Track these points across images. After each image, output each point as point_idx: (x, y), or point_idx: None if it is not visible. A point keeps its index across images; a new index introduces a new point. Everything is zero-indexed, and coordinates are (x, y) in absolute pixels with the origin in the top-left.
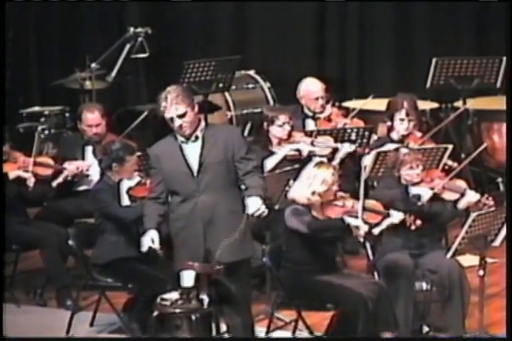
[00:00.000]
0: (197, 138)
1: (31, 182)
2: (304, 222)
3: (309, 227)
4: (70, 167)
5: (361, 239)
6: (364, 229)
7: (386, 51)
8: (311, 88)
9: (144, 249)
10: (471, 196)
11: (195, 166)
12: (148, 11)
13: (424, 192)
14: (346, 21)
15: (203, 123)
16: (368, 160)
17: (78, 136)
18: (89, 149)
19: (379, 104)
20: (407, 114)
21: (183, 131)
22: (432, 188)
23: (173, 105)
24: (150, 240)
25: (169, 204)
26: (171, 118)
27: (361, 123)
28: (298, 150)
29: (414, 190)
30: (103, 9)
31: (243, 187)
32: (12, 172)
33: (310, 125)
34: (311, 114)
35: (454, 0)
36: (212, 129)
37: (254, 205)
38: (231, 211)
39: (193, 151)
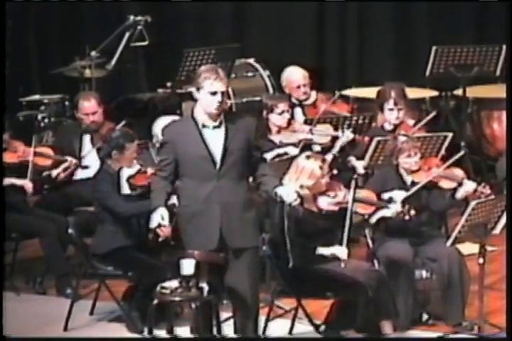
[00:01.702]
0: (221, 123)
1: (29, 188)
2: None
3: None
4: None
5: (343, 265)
6: (344, 253)
7: (386, 39)
8: (292, 77)
9: (153, 225)
10: (469, 186)
11: (217, 151)
12: None
13: (396, 195)
14: (346, 9)
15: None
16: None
17: (76, 125)
18: (86, 138)
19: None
20: (395, 104)
21: (217, 109)
22: (407, 191)
23: (223, 80)
24: (160, 217)
25: (180, 189)
26: (214, 93)
27: (345, 107)
28: (286, 153)
29: (386, 195)
30: None
31: (260, 173)
32: (7, 179)
33: (298, 113)
34: (297, 102)
35: (454, 0)
36: (231, 116)
37: (286, 189)
38: (246, 198)
39: (215, 136)
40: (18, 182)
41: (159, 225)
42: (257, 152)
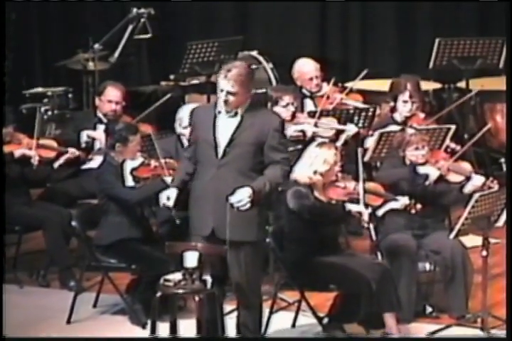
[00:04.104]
0: (236, 113)
1: (35, 160)
2: (305, 206)
3: (310, 212)
4: (72, 150)
5: (365, 224)
6: (367, 214)
7: (388, 31)
8: (304, 69)
9: (160, 204)
10: (477, 180)
11: (223, 140)
12: None
13: (432, 172)
14: (349, 2)
15: (248, 102)
16: (370, 141)
17: (90, 114)
18: (100, 127)
19: (382, 85)
20: (411, 96)
21: (225, 106)
22: (439, 168)
23: (231, 81)
24: (166, 197)
25: (196, 172)
26: (221, 90)
27: (359, 97)
28: (302, 131)
29: (422, 170)
30: None
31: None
32: (17, 150)
33: (308, 104)
34: (308, 93)
35: (454, 0)
36: (253, 110)
37: (238, 196)
38: None
39: (227, 125)
40: (28, 152)
41: (164, 205)
42: (273, 153)
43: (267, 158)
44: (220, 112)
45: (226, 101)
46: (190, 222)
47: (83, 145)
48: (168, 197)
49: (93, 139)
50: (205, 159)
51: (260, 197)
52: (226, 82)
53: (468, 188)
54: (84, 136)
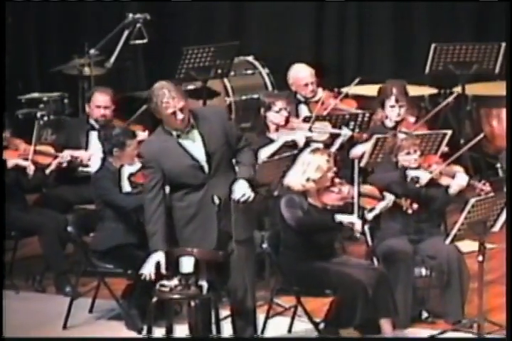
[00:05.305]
0: (192, 127)
1: (31, 170)
2: (295, 218)
3: (299, 224)
4: (65, 154)
5: (357, 235)
6: (359, 224)
7: (385, 37)
8: (299, 75)
9: (146, 271)
10: (460, 178)
11: (201, 156)
12: None
13: (422, 175)
14: (346, 7)
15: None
16: (360, 147)
17: (83, 121)
18: (93, 134)
19: (376, 90)
20: (397, 100)
21: (183, 124)
22: (431, 172)
23: (175, 99)
24: (154, 264)
25: (175, 195)
26: (174, 113)
27: (353, 103)
28: (293, 140)
29: (412, 173)
30: None
31: (237, 159)
32: (10, 160)
33: (303, 110)
34: (303, 99)
35: (453, 0)
36: (200, 114)
37: (240, 190)
38: None
39: (193, 143)
40: (22, 162)
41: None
42: (239, 141)
43: (235, 147)
44: (179, 136)
45: (183, 119)
46: (182, 239)
47: (64, 164)
48: (159, 263)
49: (76, 158)
50: (193, 181)
51: (253, 183)
52: (172, 102)
53: (453, 188)
54: (67, 155)
